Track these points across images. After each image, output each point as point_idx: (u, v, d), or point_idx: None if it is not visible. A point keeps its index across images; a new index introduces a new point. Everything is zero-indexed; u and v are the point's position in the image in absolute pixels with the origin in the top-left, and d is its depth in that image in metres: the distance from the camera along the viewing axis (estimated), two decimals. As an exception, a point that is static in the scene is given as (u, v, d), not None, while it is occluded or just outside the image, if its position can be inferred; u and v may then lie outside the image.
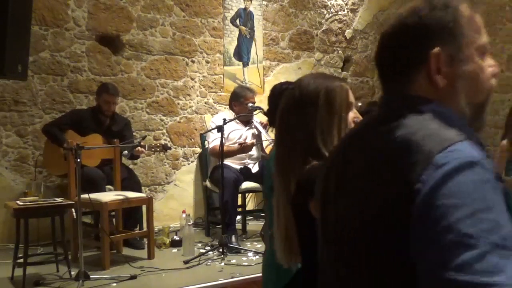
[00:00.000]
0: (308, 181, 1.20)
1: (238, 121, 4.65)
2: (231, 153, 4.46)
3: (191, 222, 4.62)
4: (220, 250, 3.94)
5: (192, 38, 5.51)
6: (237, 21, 5.81)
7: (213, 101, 5.65)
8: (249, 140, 4.49)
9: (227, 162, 4.35)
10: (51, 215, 3.67)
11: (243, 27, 5.85)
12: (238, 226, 4.73)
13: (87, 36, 4.94)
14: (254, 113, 4.63)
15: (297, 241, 1.32)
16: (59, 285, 3.35)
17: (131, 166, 4.91)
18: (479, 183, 0.76)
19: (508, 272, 0.69)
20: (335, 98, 1.41)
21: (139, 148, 4.14)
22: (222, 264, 3.75)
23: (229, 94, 5.01)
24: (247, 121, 4.74)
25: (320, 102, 1.40)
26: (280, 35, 6.13)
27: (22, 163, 4.64)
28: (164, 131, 5.37)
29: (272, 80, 5.75)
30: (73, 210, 3.69)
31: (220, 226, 4.34)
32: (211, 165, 4.73)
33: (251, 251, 4.01)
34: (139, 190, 4.49)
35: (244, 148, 4.43)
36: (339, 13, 6.57)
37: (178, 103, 5.44)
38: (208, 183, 4.80)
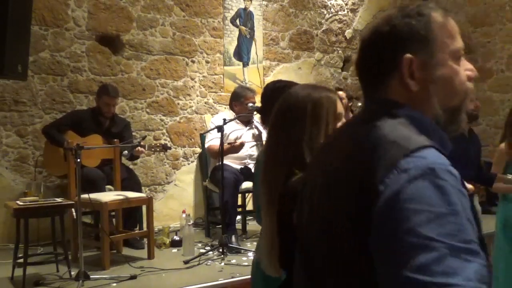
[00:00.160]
0: (292, 192, 1.22)
1: (238, 121, 4.65)
2: (224, 152, 4.46)
3: (191, 222, 4.62)
4: (220, 250, 3.94)
5: (192, 38, 5.52)
6: (237, 21, 5.81)
7: (213, 101, 5.65)
8: (240, 141, 4.47)
9: (227, 162, 4.34)
10: (51, 215, 3.67)
11: (243, 27, 5.85)
12: (238, 226, 4.73)
13: (87, 36, 4.94)
14: (254, 113, 4.63)
15: (280, 251, 1.33)
16: (59, 285, 3.35)
17: (131, 166, 4.91)
18: (442, 189, 0.78)
19: (465, 274, 0.72)
20: (322, 109, 1.43)
21: (139, 148, 4.14)
22: (222, 264, 3.75)
23: (229, 94, 5.01)
24: (247, 121, 4.74)
25: (308, 113, 1.42)
26: (280, 35, 6.13)
27: (22, 163, 4.64)
28: (164, 131, 5.37)
29: (272, 80, 5.75)
30: (73, 210, 3.69)
31: (220, 226, 4.34)
32: (211, 165, 4.72)
33: (251, 251, 4.01)
34: (139, 190, 4.49)
35: (234, 147, 4.42)
36: (339, 13, 6.57)
37: (178, 103, 5.44)
38: (208, 183, 4.80)
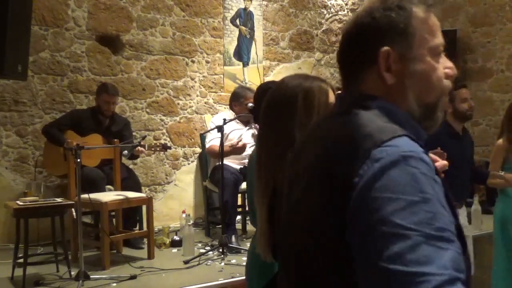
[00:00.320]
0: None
1: (238, 121, 4.65)
2: (225, 154, 4.45)
3: (191, 222, 4.62)
4: (220, 250, 3.94)
5: (192, 38, 5.52)
6: (237, 21, 5.81)
7: (213, 101, 5.65)
8: (241, 143, 4.46)
9: (227, 162, 4.34)
10: (51, 215, 3.67)
11: (243, 27, 5.85)
12: (238, 226, 4.73)
13: (87, 36, 4.94)
14: (254, 113, 4.62)
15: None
16: (59, 285, 3.35)
17: (131, 166, 4.91)
18: (414, 176, 0.78)
19: (438, 262, 0.72)
20: (313, 98, 1.42)
21: (139, 148, 4.14)
22: (222, 264, 3.75)
23: (229, 94, 5.01)
24: (247, 121, 4.74)
25: (299, 102, 1.41)
26: (280, 35, 6.13)
27: (22, 163, 4.64)
28: (164, 131, 5.37)
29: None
30: (73, 210, 3.69)
31: (220, 226, 4.34)
32: (211, 165, 4.72)
33: (251, 251, 4.01)
34: (139, 190, 4.49)
35: (235, 149, 4.42)
36: (339, 13, 6.57)
37: (178, 103, 5.44)
38: (208, 183, 4.80)
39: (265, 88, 2.15)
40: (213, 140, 4.51)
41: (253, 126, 4.73)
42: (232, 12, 5.77)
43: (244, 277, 3.44)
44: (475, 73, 6.72)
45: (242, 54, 5.83)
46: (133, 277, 3.42)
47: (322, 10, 6.44)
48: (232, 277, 3.43)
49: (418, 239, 0.73)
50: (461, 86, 3.53)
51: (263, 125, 1.51)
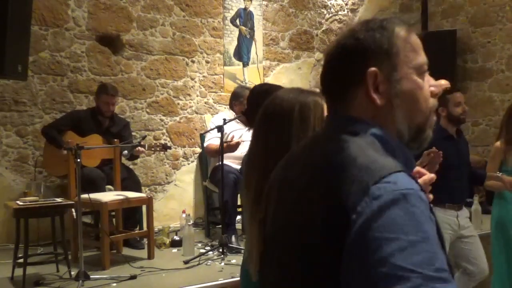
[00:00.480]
0: None
1: (238, 121, 4.65)
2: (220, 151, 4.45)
3: (191, 222, 4.62)
4: (220, 250, 3.94)
5: (192, 38, 5.52)
6: (237, 21, 5.81)
7: (213, 101, 5.65)
8: (236, 140, 4.46)
9: (227, 162, 4.34)
10: (51, 215, 3.67)
11: (243, 27, 5.85)
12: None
13: (87, 36, 4.94)
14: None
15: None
16: (59, 285, 3.35)
17: (131, 166, 4.91)
18: (414, 215, 0.77)
19: None
20: (309, 113, 1.41)
21: (139, 148, 4.14)
22: (222, 264, 3.75)
23: (229, 94, 5.01)
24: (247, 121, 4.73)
25: (295, 117, 1.40)
26: (280, 35, 6.13)
27: (22, 163, 4.64)
28: (164, 131, 5.37)
29: (272, 80, 5.76)
30: (73, 210, 3.69)
31: (220, 226, 4.34)
32: (211, 165, 4.72)
33: (251, 251, 4.01)
34: (139, 190, 4.49)
35: (229, 147, 4.40)
36: (339, 13, 6.57)
37: (178, 103, 5.44)
38: (208, 183, 4.80)
39: (259, 90, 2.12)
40: (211, 139, 4.51)
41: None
42: (232, 12, 5.77)
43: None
44: (475, 73, 6.72)
45: (242, 54, 5.83)
46: (133, 277, 3.42)
47: (322, 10, 6.44)
48: (232, 277, 3.43)
49: (418, 281, 0.72)
50: (455, 90, 3.56)
51: (256, 138, 1.47)
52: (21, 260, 3.42)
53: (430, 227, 0.78)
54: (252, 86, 5.40)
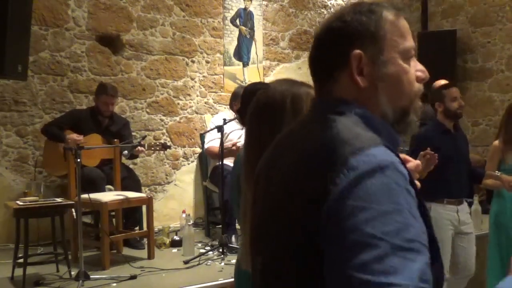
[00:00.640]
0: None
1: (238, 121, 4.65)
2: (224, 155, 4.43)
3: (191, 222, 4.62)
4: (220, 250, 3.94)
5: (192, 38, 5.52)
6: (237, 21, 5.81)
7: (213, 101, 5.65)
8: (234, 143, 4.41)
9: (227, 162, 4.34)
10: (51, 215, 3.67)
11: (243, 27, 5.85)
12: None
13: (87, 36, 4.94)
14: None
15: None
16: (59, 285, 3.35)
17: (131, 166, 4.91)
18: (388, 186, 0.79)
19: (406, 273, 0.72)
20: (301, 104, 1.41)
21: (138, 148, 4.14)
22: (222, 264, 3.75)
23: (229, 94, 5.01)
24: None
25: (287, 108, 1.41)
26: (280, 35, 6.13)
27: (22, 163, 4.63)
28: (164, 131, 5.37)
29: (272, 80, 5.75)
30: (73, 210, 3.69)
31: (220, 226, 4.34)
32: (211, 165, 4.72)
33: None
34: (139, 190, 4.49)
35: (230, 152, 4.37)
36: (339, 13, 6.57)
37: (178, 103, 5.44)
38: (208, 183, 4.80)
39: (252, 90, 2.13)
40: (212, 141, 4.51)
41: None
42: (232, 12, 5.77)
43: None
44: (475, 73, 6.72)
45: (242, 54, 5.83)
46: (133, 277, 3.42)
47: (322, 10, 6.44)
48: (232, 277, 3.42)
49: (386, 249, 0.73)
50: (451, 85, 3.59)
51: (250, 129, 1.48)
52: (21, 260, 3.42)
53: (405, 199, 0.79)
54: (257, 82, 5.43)
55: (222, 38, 5.71)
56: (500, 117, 3.94)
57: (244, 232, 1.43)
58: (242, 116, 2.26)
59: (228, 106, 5.01)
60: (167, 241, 4.38)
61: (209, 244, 4.34)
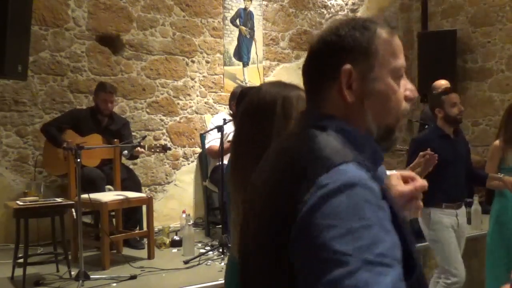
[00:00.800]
0: None
1: (238, 121, 4.65)
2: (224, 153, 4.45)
3: (191, 222, 4.62)
4: (220, 250, 3.94)
5: (192, 38, 5.52)
6: (237, 21, 5.81)
7: (213, 101, 5.65)
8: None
9: (227, 162, 4.34)
10: (51, 215, 3.67)
11: (243, 27, 5.85)
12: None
13: (87, 36, 4.94)
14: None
15: None
16: (59, 285, 3.35)
17: (131, 166, 4.91)
18: (357, 203, 0.79)
19: (377, 287, 0.72)
20: (292, 107, 1.40)
21: (138, 148, 4.13)
22: (222, 264, 3.74)
23: (229, 94, 5.01)
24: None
25: (277, 111, 1.40)
26: (280, 35, 6.13)
27: (22, 163, 4.63)
28: (164, 131, 5.37)
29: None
30: (73, 210, 3.69)
31: (220, 226, 4.34)
32: (211, 165, 4.73)
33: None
34: (139, 190, 4.49)
35: (229, 150, 4.38)
36: (339, 13, 6.57)
37: (178, 103, 5.44)
38: (208, 183, 4.80)
39: (247, 92, 2.13)
40: (212, 141, 4.51)
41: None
42: (232, 12, 5.77)
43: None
44: (475, 73, 6.72)
45: (242, 54, 5.83)
46: (133, 277, 3.42)
47: (322, 10, 6.44)
48: (232, 277, 3.42)
49: (357, 264, 0.73)
50: (450, 90, 3.60)
51: (240, 130, 1.47)
52: (21, 260, 3.42)
53: (375, 214, 0.79)
54: (252, 86, 5.43)
55: (222, 38, 5.71)
56: (500, 117, 3.94)
57: (232, 227, 1.43)
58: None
59: (228, 106, 5.01)
60: (167, 241, 4.38)
61: (209, 244, 4.34)
